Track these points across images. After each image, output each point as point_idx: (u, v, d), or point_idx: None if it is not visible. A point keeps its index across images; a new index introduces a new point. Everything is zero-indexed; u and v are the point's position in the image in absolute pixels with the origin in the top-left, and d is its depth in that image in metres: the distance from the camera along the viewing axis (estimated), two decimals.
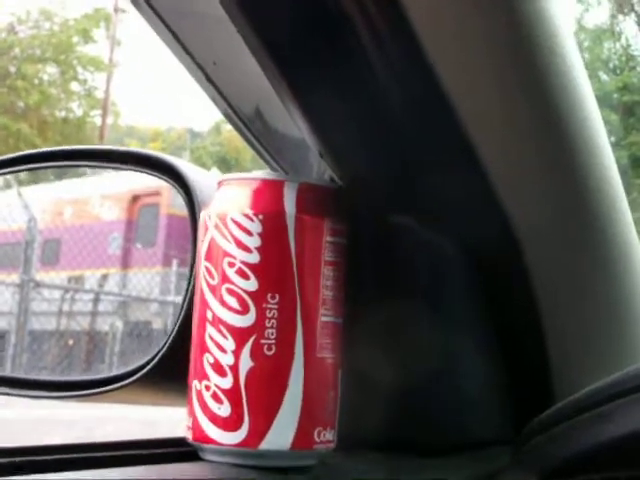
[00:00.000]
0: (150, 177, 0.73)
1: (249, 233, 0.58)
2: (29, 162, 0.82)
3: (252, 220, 0.58)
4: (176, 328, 0.66)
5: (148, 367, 0.67)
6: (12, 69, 17.39)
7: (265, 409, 0.57)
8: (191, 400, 0.59)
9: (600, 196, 0.67)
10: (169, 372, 0.65)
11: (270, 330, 0.58)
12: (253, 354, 0.57)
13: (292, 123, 0.61)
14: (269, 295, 0.58)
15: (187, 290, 0.66)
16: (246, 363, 0.57)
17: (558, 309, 0.68)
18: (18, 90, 16.80)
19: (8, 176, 0.99)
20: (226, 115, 0.67)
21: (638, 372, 0.57)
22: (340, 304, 0.60)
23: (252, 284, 0.58)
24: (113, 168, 0.76)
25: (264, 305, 0.58)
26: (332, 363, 0.60)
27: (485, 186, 0.59)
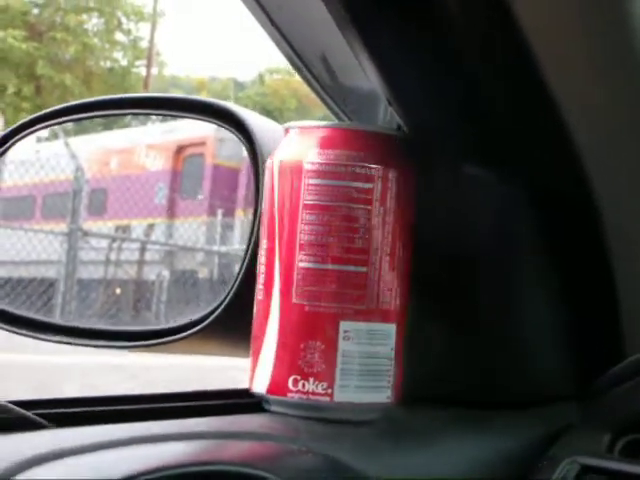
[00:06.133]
0: (202, 127, 0.73)
1: (264, 183, 0.60)
2: (83, 111, 0.81)
3: (268, 170, 0.60)
4: (239, 277, 0.65)
5: (212, 317, 0.66)
6: (57, 19, 17.42)
7: (255, 354, 0.59)
8: None
9: None
10: (235, 322, 0.65)
11: (261, 276, 0.59)
12: (255, 300, 0.60)
13: (359, 69, 0.59)
14: (263, 242, 0.59)
15: (250, 239, 0.65)
16: (255, 310, 0.60)
17: (630, 256, 0.66)
18: (59, 42, 16.84)
19: (56, 126, 0.98)
20: (289, 59, 0.66)
21: None
22: (338, 250, 0.57)
23: (261, 232, 0.60)
24: (174, 116, 0.74)
25: (260, 252, 0.59)
26: (319, 312, 0.57)
27: (558, 128, 0.57)
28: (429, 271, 0.64)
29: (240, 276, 0.65)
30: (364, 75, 0.60)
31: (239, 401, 0.62)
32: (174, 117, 0.74)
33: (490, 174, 0.62)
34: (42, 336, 0.74)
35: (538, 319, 0.68)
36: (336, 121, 0.71)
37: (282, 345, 0.57)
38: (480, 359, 0.67)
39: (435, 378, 0.67)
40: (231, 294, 0.66)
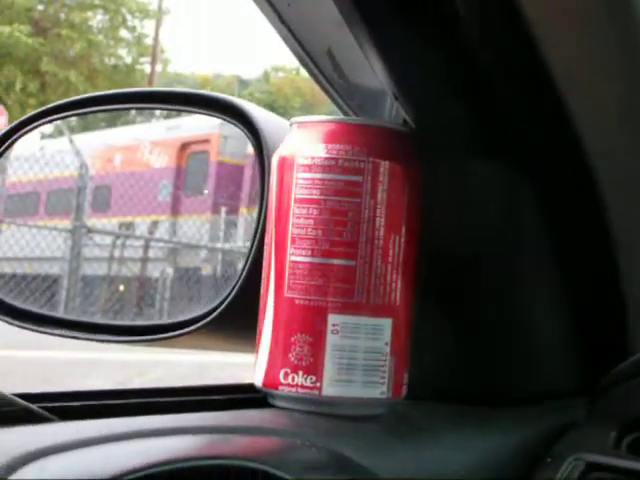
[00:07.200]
0: (206, 124, 0.73)
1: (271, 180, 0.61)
2: (89, 105, 0.81)
3: (273, 167, 0.60)
4: (244, 272, 0.65)
5: (216, 312, 0.66)
6: (62, 16, 17.42)
7: (257, 347, 0.59)
8: None
9: None
10: (239, 317, 0.64)
11: (263, 271, 0.60)
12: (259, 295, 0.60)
13: (365, 65, 0.59)
14: (266, 236, 0.60)
15: (255, 234, 0.65)
16: (259, 305, 0.60)
17: (636, 250, 0.66)
18: (63, 38, 16.85)
19: (60, 122, 0.98)
20: (297, 55, 0.66)
21: None
22: (327, 243, 0.56)
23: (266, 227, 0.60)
24: (180, 111, 0.74)
25: (265, 246, 0.60)
26: (308, 305, 0.56)
27: (563, 121, 0.57)
28: (435, 268, 0.64)
29: (245, 271, 0.65)
30: (370, 70, 0.59)
31: (244, 396, 0.62)
32: (179, 112, 0.74)
33: (496, 170, 0.62)
34: (47, 330, 0.74)
35: (544, 316, 0.68)
36: (342, 116, 0.71)
37: (275, 339, 0.58)
38: (487, 356, 0.66)
39: (442, 375, 0.67)
40: (236, 289, 0.65)
